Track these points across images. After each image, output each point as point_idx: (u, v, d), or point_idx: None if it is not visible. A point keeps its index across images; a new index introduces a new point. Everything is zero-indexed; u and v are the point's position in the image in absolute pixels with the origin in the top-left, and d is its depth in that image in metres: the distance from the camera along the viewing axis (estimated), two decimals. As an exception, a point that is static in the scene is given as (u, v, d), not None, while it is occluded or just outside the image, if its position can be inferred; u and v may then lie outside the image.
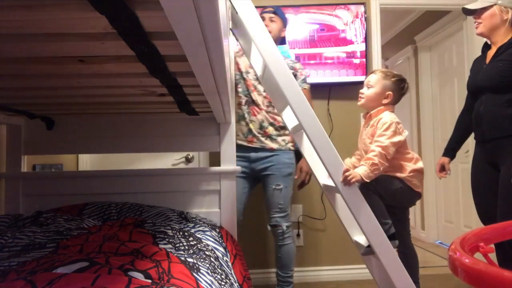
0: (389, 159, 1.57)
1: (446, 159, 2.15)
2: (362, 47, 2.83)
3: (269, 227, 2.20)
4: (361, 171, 1.48)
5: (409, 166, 1.71)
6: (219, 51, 0.78)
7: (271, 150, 2.17)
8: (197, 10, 0.57)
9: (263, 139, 2.16)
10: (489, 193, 1.90)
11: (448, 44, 3.73)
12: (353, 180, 1.41)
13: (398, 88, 1.76)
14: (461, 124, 2.14)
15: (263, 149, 2.16)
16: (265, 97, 2.18)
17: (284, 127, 2.20)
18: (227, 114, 1.69)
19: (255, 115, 2.17)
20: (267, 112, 2.18)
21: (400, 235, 1.70)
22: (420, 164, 1.75)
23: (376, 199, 1.58)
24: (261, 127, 2.16)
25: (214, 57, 0.81)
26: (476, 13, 1.94)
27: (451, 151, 2.16)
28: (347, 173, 1.42)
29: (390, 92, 1.73)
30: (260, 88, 2.18)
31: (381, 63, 2.96)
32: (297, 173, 2.24)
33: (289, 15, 2.81)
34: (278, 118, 2.17)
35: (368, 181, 1.49)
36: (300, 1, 2.83)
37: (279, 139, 2.20)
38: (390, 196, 1.69)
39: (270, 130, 2.18)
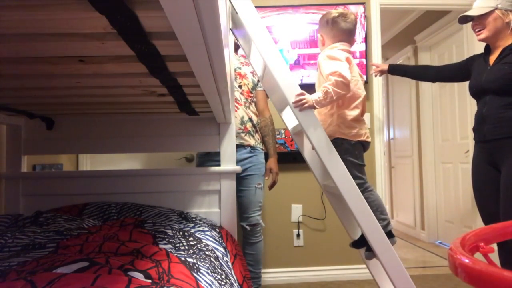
0: (347, 83, 1.45)
1: (387, 65, 2.30)
2: (362, 47, 2.83)
3: (247, 227, 2.15)
4: (315, 97, 1.44)
5: (347, 117, 1.56)
6: (219, 51, 0.78)
7: (249, 147, 2.16)
8: (197, 10, 0.57)
9: (243, 135, 2.15)
10: (491, 194, 1.90)
11: (448, 44, 3.73)
12: (306, 105, 1.41)
13: (326, 25, 1.63)
14: (423, 66, 2.30)
15: (241, 146, 2.14)
16: (241, 93, 2.18)
17: (257, 125, 2.25)
18: (227, 114, 1.69)
19: (236, 111, 2.15)
20: (245, 107, 2.18)
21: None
22: (356, 107, 1.58)
23: (373, 197, 1.56)
24: (242, 123, 2.16)
25: (214, 57, 0.81)
26: (476, 19, 1.94)
27: (394, 67, 2.29)
28: (301, 97, 1.41)
29: (319, 35, 1.65)
30: (235, 83, 2.19)
31: (381, 63, 2.96)
32: (266, 174, 2.24)
33: (289, 15, 2.81)
34: (253, 115, 2.21)
35: (318, 107, 1.45)
36: (300, 1, 2.84)
37: (256, 136, 2.23)
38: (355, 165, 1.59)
39: (249, 126, 2.18)
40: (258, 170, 2.18)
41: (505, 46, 1.88)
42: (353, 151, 1.58)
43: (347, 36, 1.64)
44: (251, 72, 2.24)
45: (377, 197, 1.58)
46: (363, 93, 1.63)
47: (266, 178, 2.25)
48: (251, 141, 2.18)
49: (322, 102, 1.44)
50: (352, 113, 1.58)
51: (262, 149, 2.27)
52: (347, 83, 1.45)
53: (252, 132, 2.19)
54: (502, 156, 1.83)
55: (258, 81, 2.27)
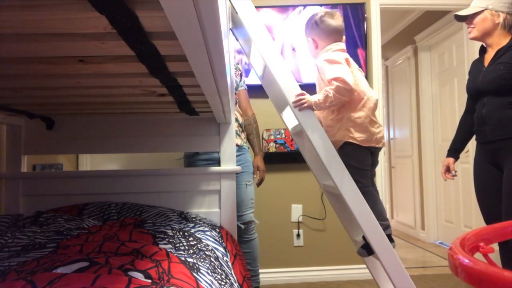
0: (349, 89, 1.44)
1: (450, 160, 2.14)
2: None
3: (241, 225, 2.15)
4: (314, 98, 1.44)
5: (357, 120, 1.52)
6: (219, 51, 0.78)
7: (236, 146, 2.15)
8: (197, 10, 0.57)
9: None
10: (493, 194, 1.90)
11: (448, 44, 3.73)
12: (305, 105, 1.41)
13: (316, 26, 1.61)
14: (463, 125, 2.14)
15: None
16: None
17: (242, 124, 2.25)
18: (227, 114, 1.69)
19: None
20: None
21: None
22: (363, 106, 1.53)
23: (374, 200, 1.56)
24: None
25: (214, 57, 0.81)
26: (468, 18, 1.96)
27: (454, 152, 2.16)
28: (301, 96, 1.42)
29: (310, 39, 1.64)
30: None
31: (381, 63, 2.96)
32: (254, 172, 2.26)
33: (289, 15, 2.81)
34: (238, 114, 2.22)
35: (316, 109, 1.46)
36: (300, 1, 2.84)
37: (242, 135, 2.24)
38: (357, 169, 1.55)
39: (236, 125, 2.18)
40: (247, 168, 2.20)
41: (500, 47, 1.89)
42: (354, 156, 1.53)
43: (339, 34, 1.63)
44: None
45: (375, 200, 1.57)
46: (367, 91, 1.57)
47: (255, 176, 2.26)
48: (238, 140, 2.19)
49: (321, 105, 1.44)
50: (360, 114, 1.53)
51: (249, 147, 2.29)
52: (350, 89, 1.44)
53: (238, 132, 2.22)
54: (504, 156, 1.83)
55: (239, 80, 2.30)
